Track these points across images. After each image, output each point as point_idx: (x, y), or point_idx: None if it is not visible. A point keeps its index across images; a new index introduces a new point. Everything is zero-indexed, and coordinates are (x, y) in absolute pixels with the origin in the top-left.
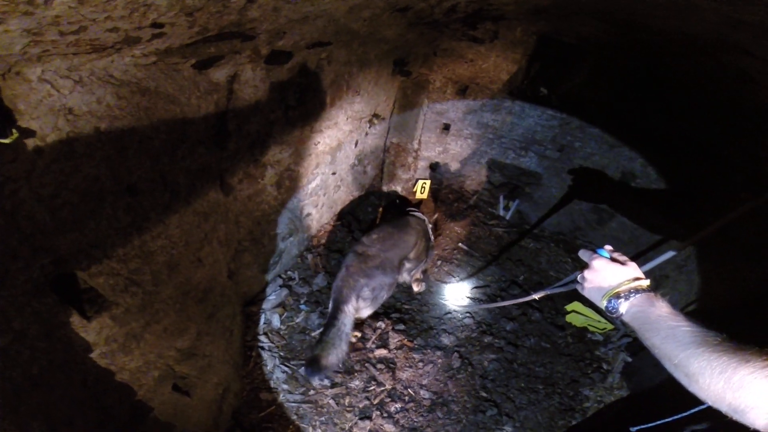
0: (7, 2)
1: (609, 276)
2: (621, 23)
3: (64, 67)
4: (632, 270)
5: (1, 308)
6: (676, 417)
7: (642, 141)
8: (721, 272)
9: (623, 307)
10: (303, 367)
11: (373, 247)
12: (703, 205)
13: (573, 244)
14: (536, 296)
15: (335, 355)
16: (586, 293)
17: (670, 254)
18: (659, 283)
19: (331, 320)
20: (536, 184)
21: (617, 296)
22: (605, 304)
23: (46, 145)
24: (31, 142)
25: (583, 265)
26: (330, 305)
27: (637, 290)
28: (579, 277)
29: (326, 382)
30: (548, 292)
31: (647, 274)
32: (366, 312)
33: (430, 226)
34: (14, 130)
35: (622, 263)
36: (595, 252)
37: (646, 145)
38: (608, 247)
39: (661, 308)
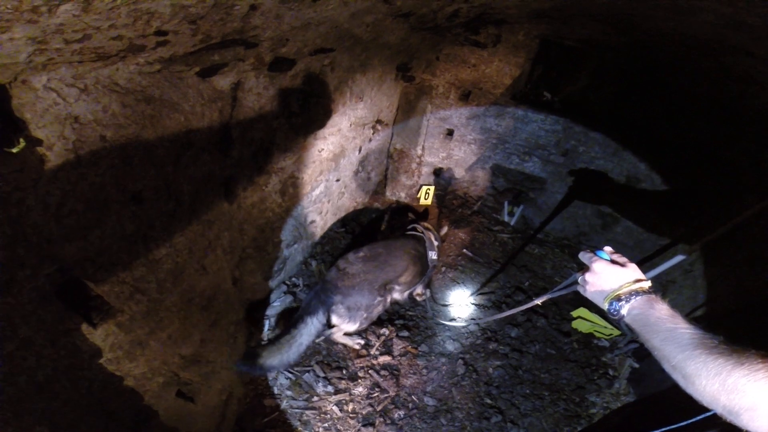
0: (12, 10)
1: (609, 278)
2: (622, 25)
3: (69, 75)
4: (632, 272)
5: (8, 315)
6: (681, 424)
7: (646, 144)
8: (727, 276)
9: (624, 309)
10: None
11: (355, 266)
12: (708, 209)
13: (578, 250)
14: (539, 301)
15: (278, 359)
16: (588, 296)
17: (680, 258)
18: (666, 288)
19: (289, 327)
20: (540, 189)
21: (618, 299)
22: (607, 307)
23: (52, 154)
24: (37, 151)
25: (584, 267)
26: (298, 312)
27: (637, 292)
28: (580, 280)
29: (330, 388)
30: (550, 296)
31: (657, 278)
32: (350, 327)
33: (436, 243)
34: (21, 140)
35: (622, 265)
36: (594, 254)
37: (649, 148)
38: (608, 249)
39: (661, 310)
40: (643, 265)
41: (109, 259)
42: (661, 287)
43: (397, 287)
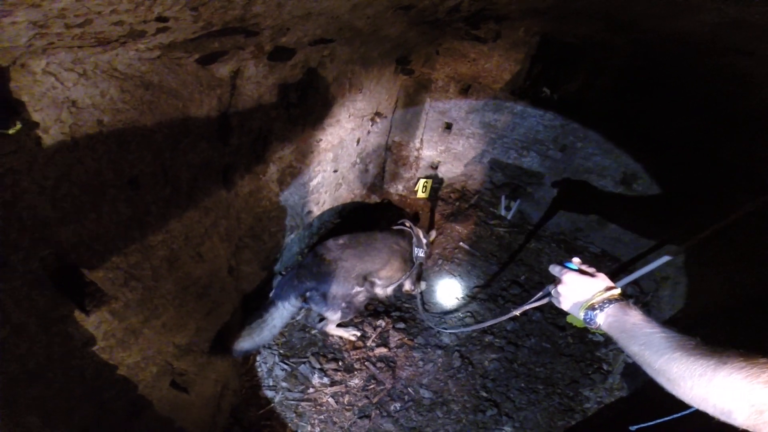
0: None
1: (580, 289)
2: (620, 23)
3: (68, 59)
4: (602, 281)
5: (0, 300)
6: (675, 416)
7: (643, 142)
8: (721, 274)
9: (600, 318)
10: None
11: (332, 253)
12: (703, 206)
13: (573, 245)
14: (517, 312)
15: (250, 342)
16: (563, 307)
17: (665, 259)
18: (660, 285)
19: (260, 311)
20: (538, 184)
21: (592, 308)
22: (582, 316)
23: (48, 137)
24: (33, 134)
25: (555, 280)
26: (270, 295)
27: (610, 300)
28: (553, 292)
29: (325, 380)
30: (526, 307)
31: (650, 275)
32: (332, 316)
33: (424, 241)
34: (17, 122)
35: (592, 275)
36: (564, 266)
37: (647, 145)
38: (576, 260)
39: (635, 316)
40: (638, 262)
41: (104, 244)
42: (655, 283)
43: (377, 281)
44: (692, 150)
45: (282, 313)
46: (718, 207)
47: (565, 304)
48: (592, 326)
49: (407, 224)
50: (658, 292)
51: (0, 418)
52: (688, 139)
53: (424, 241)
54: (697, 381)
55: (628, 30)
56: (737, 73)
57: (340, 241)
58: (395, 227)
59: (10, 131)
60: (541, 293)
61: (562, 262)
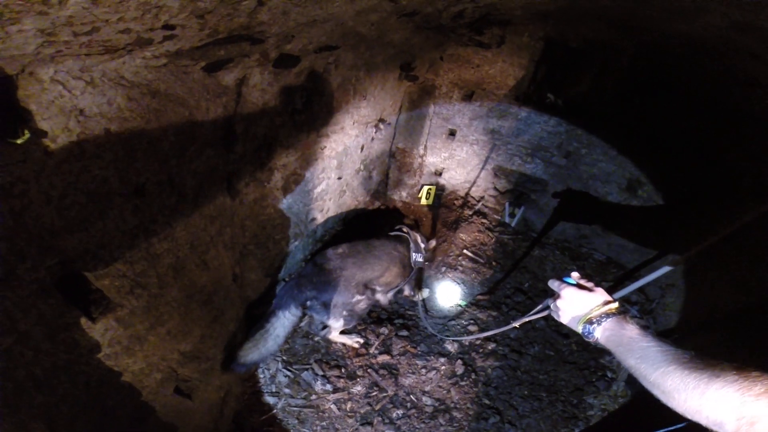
0: (23, 2)
1: (579, 303)
2: (626, 27)
3: (76, 68)
4: (600, 295)
5: (7, 309)
6: (678, 426)
7: (648, 147)
8: (726, 279)
9: (597, 332)
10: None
11: (332, 262)
12: (709, 211)
13: (578, 252)
14: (516, 324)
15: (257, 354)
16: (562, 321)
17: (665, 269)
18: (666, 292)
19: (262, 321)
20: (542, 190)
21: (590, 322)
22: (581, 330)
23: (56, 146)
24: (41, 143)
25: (555, 294)
26: (271, 305)
27: (608, 314)
28: (552, 306)
29: (328, 387)
30: (525, 319)
31: (656, 282)
32: (336, 324)
33: (422, 245)
34: (26, 131)
35: (590, 289)
36: (563, 281)
37: (652, 151)
38: (575, 275)
39: (632, 330)
40: (643, 269)
41: (111, 252)
42: (660, 290)
43: (378, 288)
44: (697, 153)
45: (283, 322)
46: (724, 212)
47: (563, 318)
48: (590, 340)
49: (404, 230)
50: (664, 298)
51: (5, 425)
52: (692, 142)
53: (422, 245)
54: (691, 394)
55: (631, 33)
56: (746, 76)
57: (339, 250)
58: (392, 233)
59: (19, 141)
60: (540, 306)
61: (561, 277)
